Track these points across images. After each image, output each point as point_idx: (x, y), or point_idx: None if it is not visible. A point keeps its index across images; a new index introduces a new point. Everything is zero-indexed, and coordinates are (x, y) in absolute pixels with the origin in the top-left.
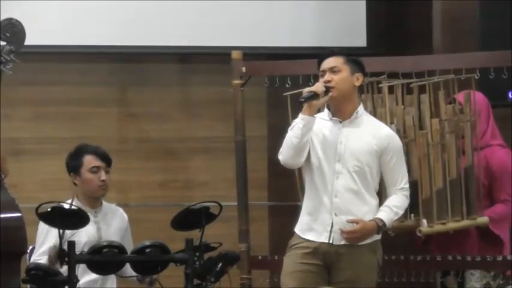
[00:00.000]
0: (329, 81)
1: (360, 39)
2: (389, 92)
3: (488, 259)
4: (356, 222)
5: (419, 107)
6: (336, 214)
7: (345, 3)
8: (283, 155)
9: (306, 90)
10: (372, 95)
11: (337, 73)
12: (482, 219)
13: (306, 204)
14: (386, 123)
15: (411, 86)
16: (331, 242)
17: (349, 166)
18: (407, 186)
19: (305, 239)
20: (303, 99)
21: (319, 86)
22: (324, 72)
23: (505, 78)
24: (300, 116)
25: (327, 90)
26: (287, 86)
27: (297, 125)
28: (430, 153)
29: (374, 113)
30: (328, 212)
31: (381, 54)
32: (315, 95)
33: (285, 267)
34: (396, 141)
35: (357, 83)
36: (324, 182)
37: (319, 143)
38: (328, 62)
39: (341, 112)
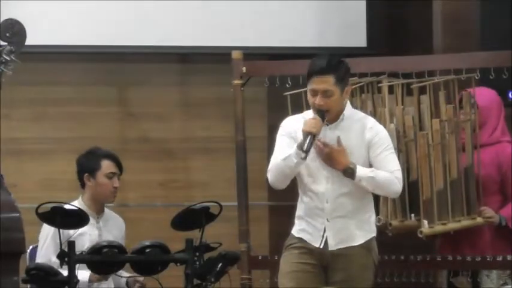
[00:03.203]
0: (322, 105)
1: (360, 39)
2: (390, 92)
3: (489, 259)
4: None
5: (419, 107)
6: (328, 220)
7: (345, 3)
8: (273, 178)
9: (305, 131)
10: (372, 95)
11: (329, 97)
12: (483, 219)
13: (300, 207)
14: (386, 123)
15: (411, 87)
16: (325, 247)
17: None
18: (398, 174)
19: (300, 238)
20: (307, 149)
21: (317, 126)
22: (315, 92)
23: (505, 78)
24: (296, 151)
25: (322, 116)
26: (287, 86)
27: (290, 158)
28: (431, 153)
29: (374, 113)
30: (320, 217)
31: (381, 54)
32: (314, 137)
33: (282, 267)
34: (382, 134)
35: (347, 96)
36: (314, 188)
37: None
38: (321, 83)
39: (329, 118)
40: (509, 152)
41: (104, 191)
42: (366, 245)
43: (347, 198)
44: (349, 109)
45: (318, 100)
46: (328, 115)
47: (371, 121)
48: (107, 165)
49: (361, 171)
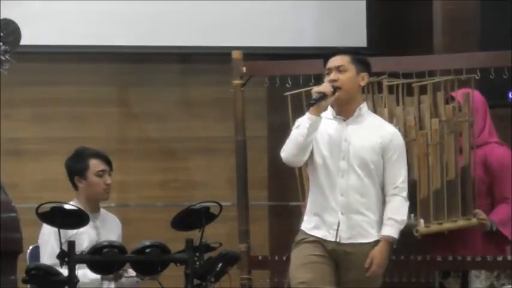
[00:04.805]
0: (335, 81)
1: (360, 39)
2: (390, 92)
3: (489, 259)
4: (371, 260)
5: (419, 107)
6: (342, 213)
7: (345, 3)
8: (286, 152)
9: (314, 91)
10: (373, 95)
11: (343, 72)
12: (477, 220)
13: (312, 204)
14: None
15: (412, 85)
16: (338, 240)
17: (355, 163)
18: (404, 185)
19: (312, 235)
20: (313, 101)
21: (328, 87)
22: (330, 70)
23: (506, 78)
24: (307, 115)
25: (334, 90)
26: (287, 86)
27: (303, 124)
28: (430, 153)
29: (374, 113)
30: (334, 210)
31: (381, 54)
32: (324, 96)
33: (295, 260)
34: (399, 139)
35: (362, 83)
36: (329, 180)
37: (323, 142)
38: (334, 61)
39: (344, 111)
40: (497, 153)
41: (96, 190)
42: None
43: (361, 193)
44: (366, 108)
45: (332, 75)
46: (341, 93)
47: (390, 125)
48: (95, 164)
49: (396, 233)
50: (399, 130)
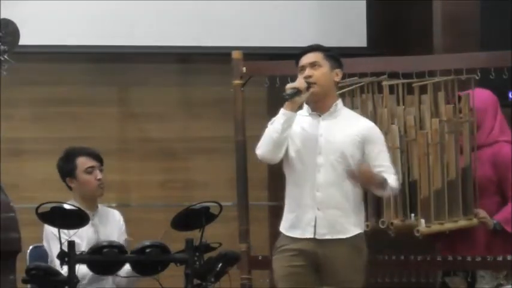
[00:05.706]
0: (310, 77)
1: (360, 39)
2: (390, 92)
3: (489, 259)
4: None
5: (420, 107)
6: (318, 209)
7: (345, 3)
8: (261, 149)
9: (288, 87)
10: (373, 95)
11: (317, 68)
12: (477, 220)
13: (288, 202)
14: (387, 123)
15: (413, 85)
16: (315, 237)
17: (332, 158)
18: (392, 170)
19: (290, 237)
20: (287, 97)
21: (301, 82)
22: (304, 67)
23: (506, 78)
24: (282, 111)
25: (308, 86)
26: None
27: (277, 120)
28: (430, 153)
29: (374, 113)
30: (310, 207)
31: (381, 54)
32: (298, 92)
33: (276, 270)
34: (377, 131)
35: (337, 79)
36: (305, 176)
37: (298, 138)
38: (308, 58)
39: (320, 107)
40: (506, 151)
41: (89, 187)
42: (356, 244)
43: (338, 188)
44: (341, 104)
45: (306, 72)
46: (316, 88)
47: (365, 119)
48: (82, 162)
49: (390, 179)
50: (399, 130)
